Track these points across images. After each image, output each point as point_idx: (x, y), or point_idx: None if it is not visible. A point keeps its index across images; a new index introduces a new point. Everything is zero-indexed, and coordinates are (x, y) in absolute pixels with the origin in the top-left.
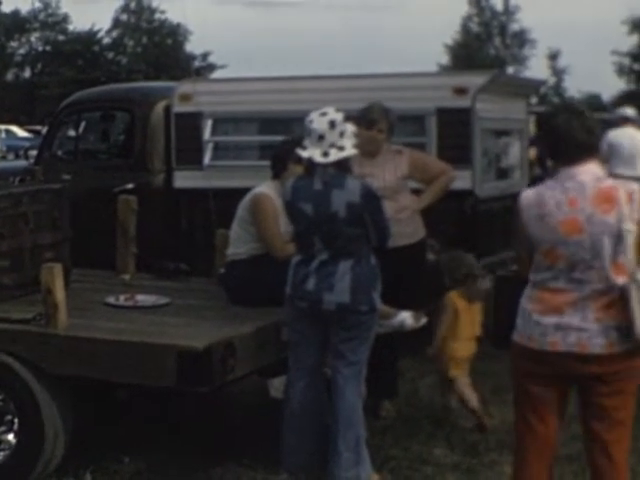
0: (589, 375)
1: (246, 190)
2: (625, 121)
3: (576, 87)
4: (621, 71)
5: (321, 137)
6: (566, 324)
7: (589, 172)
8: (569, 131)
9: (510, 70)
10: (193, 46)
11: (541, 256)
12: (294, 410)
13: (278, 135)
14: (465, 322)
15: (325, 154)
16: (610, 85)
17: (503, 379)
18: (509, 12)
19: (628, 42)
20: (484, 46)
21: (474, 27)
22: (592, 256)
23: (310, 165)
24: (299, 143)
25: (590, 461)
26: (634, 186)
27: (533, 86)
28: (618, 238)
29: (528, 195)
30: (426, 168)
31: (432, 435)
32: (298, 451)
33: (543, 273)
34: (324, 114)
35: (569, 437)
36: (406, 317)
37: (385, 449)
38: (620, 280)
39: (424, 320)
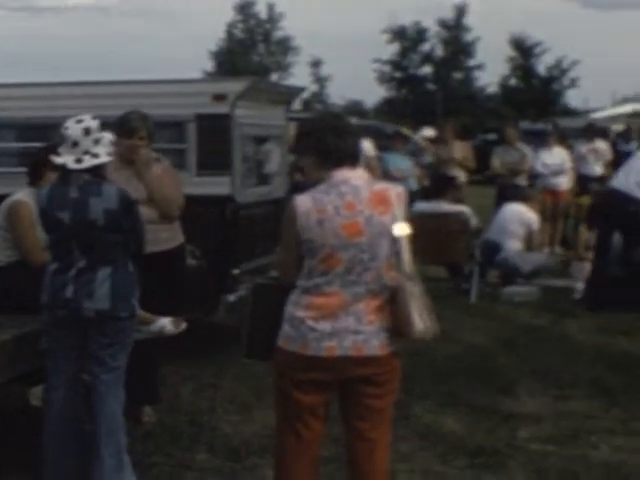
0: (362, 377)
1: (4, 197)
2: None
3: (339, 94)
4: (382, 79)
5: (75, 143)
6: (341, 328)
7: (360, 177)
8: (334, 140)
9: (274, 77)
10: None
11: (316, 262)
12: (54, 418)
13: (36, 142)
14: None
15: (78, 160)
16: (372, 92)
17: (265, 382)
18: (274, 20)
19: (389, 50)
20: (248, 53)
21: (238, 34)
22: (370, 257)
23: (65, 172)
24: (55, 150)
25: (352, 460)
26: (399, 188)
27: (293, 93)
28: (393, 239)
29: (304, 201)
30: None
31: (194, 440)
32: (59, 459)
33: (316, 279)
34: (80, 121)
35: (328, 439)
36: (166, 323)
37: (147, 455)
38: (390, 280)
39: (184, 326)
